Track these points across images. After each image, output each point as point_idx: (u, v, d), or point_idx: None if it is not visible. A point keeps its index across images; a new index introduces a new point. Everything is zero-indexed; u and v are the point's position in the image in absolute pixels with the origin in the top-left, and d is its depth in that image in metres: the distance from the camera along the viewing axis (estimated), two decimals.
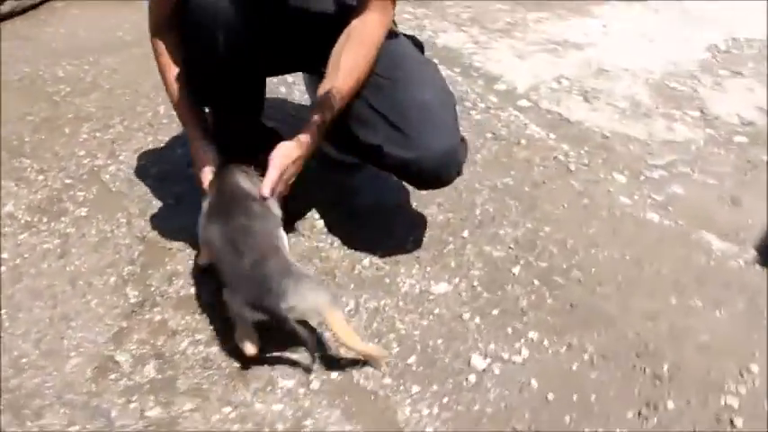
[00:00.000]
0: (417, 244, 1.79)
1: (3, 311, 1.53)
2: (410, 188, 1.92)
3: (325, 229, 1.83)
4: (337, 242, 1.78)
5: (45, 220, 1.86)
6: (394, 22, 1.69)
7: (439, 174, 1.63)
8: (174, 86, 1.61)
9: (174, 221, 1.83)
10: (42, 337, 1.47)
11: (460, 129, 1.65)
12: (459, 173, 1.66)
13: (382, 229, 1.84)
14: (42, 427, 1.27)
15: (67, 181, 2.03)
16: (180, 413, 1.31)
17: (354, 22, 1.56)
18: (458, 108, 1.69)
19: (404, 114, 1.58)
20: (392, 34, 1.66)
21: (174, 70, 1.60)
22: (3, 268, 1.66)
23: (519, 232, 1.84)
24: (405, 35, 1.75)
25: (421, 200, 1.94)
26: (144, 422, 1.29)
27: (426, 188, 1.81)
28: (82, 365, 1.41)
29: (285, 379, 1.39)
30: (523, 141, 2.27)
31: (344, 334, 1.38)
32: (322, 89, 1.54)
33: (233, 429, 1.29)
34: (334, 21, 1.60)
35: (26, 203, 1.93)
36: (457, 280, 1.68)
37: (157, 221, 1.84)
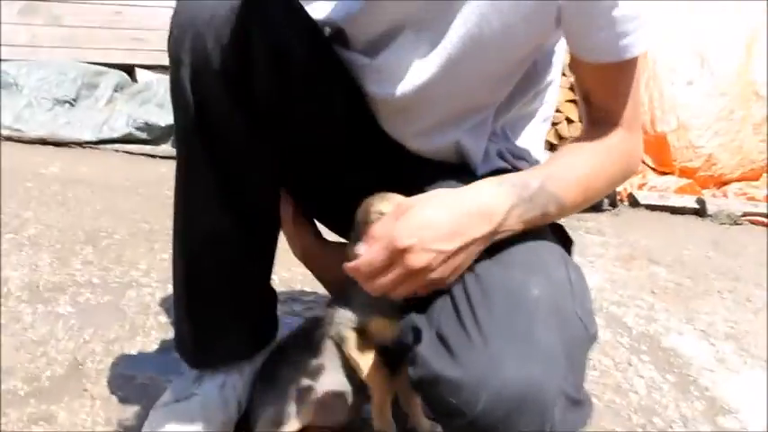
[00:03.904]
0: None
1: None
2: None
3: None
4: None
5: (24, 298, 1.88)
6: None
7: (500, 426, 0.90)
8: None
9: (136, 367, 1.61)
10: None
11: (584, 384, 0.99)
12: None
13: None
14: None
15: (95, 280, 2.04)
16: None
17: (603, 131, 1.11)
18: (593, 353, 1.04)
19: (482, 299, 0.97)
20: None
21: None
22: None
23: None
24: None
25: None
26: None
27: None
28: None
29: None
30: None
31: None
32: (530, 176, 1.05)
33: None
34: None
35: (33, 280, 2.01)
36: None
37: (119, 357, 1.63)
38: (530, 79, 1.25)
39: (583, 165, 1.09)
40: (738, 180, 4.83)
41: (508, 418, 0.90)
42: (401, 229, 0.95)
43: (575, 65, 1.14)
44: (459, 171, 1.24)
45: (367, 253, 0.97)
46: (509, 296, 0.97)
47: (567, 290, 1.02)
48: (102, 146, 4.05)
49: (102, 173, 3.49)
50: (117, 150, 4.05)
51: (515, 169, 1.28)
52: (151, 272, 2.21)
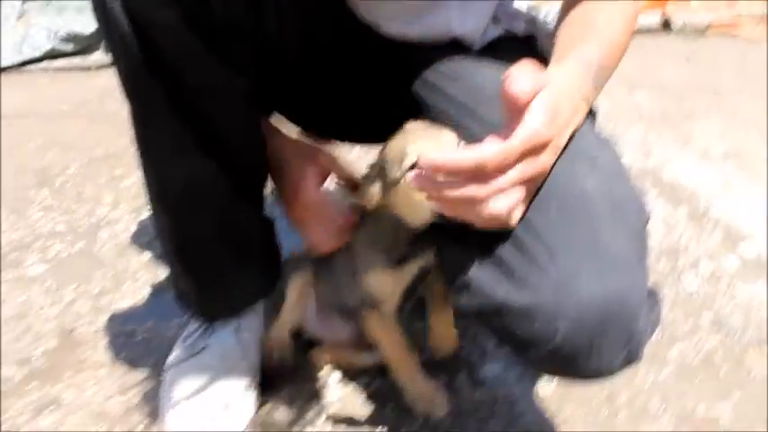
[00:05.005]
0: None
1: None
2: None
3: None
4: None
5: None
6: None
7: (585, 350, 0.79)
8: None
9: (133, 320, 1.46)
10: None
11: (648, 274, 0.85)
12: (632, 357, 0.84)
13: None
14: None
15: (60, 228, 1.88)
16: None
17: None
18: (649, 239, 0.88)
19: (535, 210, 0.83)
20: None
21: None
22: None
23: None
24: None
25: None
26: None
27: (560, 373, 0.90)
28: None
29: None
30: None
31: None
32: (587, 53, 0.87)
33: None
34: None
35: None
36: None
37: (111, 313, 1.49)
38: None
39: (618, 26, 0.92)
40: None
41: (591, 343, 0.78)
42: (545, 123, 0.76)
43: None
44: (453, 51, 1.07)
45: (508, 146, 0.74)
46: (562, 196, 0.83)
47: (616, 172, 0.89)
48: (26, 68, 3.69)
49: (35, 100, 3.17)
50: (45, 70, 3.69)
51: (510, 34, 1.11)
52: (119, 203, 2.02)
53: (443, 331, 1.30)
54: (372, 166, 1.01)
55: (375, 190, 0.97)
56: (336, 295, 1.23)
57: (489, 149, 0.73)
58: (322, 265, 1.23)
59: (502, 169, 0.75)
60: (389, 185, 0.94)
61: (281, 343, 1.26)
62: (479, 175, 0.74)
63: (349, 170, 1.16)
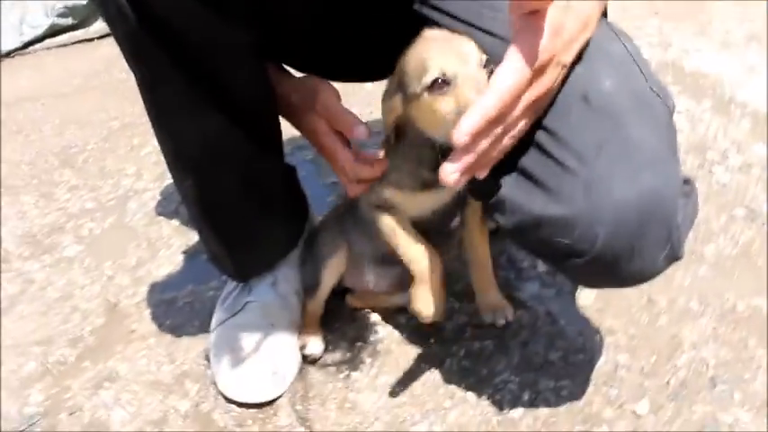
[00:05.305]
0: None
1: None
2: None
3: None
4: None
5: (26, 254, 1.70)
6: None
7: (626, 253, 0.80)
8: None
9: (172, 287, 1.48)
10: None
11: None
12: (674, 254, 0.83)
13: None
14: None
15: (89, 205, 1.90)
16: None
17: None
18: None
19: (552, 111, 0.83)
20: None
21: None
22: None
23: None
24: None
25: None
26: None
27: (603, 281, 0.92)
28: None
29: None
30: None
31: None
32: None
33: None
34: None
35: (26, 229, 1.82)
36: None
37: (150, 283, 1.51)
38: None
39: None
40: None
41: (632, 245, 0.79)
42: (547, 38, 0.74)
43: None
44: None
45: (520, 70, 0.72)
46: (581, 99, 0.82)
47: (633, 66, 0.87)
48: (30, 50, 3.66)
49: (45, 80, 3.15)
50: (48, 48, 3.66)
51: None
52: (142, 173, 2.03)
53: (489, 292, 1.23)
54: (392, 79, 0.98)
55: (396, 103, 0.95)
56: (370, 245, 1.21)
57: (503, 88, 0.72)
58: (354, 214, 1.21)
59: (517, 102, 0.74)
60: (410, 99, 0.91)
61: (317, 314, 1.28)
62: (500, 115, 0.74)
63: (348, 119, 1.09)
